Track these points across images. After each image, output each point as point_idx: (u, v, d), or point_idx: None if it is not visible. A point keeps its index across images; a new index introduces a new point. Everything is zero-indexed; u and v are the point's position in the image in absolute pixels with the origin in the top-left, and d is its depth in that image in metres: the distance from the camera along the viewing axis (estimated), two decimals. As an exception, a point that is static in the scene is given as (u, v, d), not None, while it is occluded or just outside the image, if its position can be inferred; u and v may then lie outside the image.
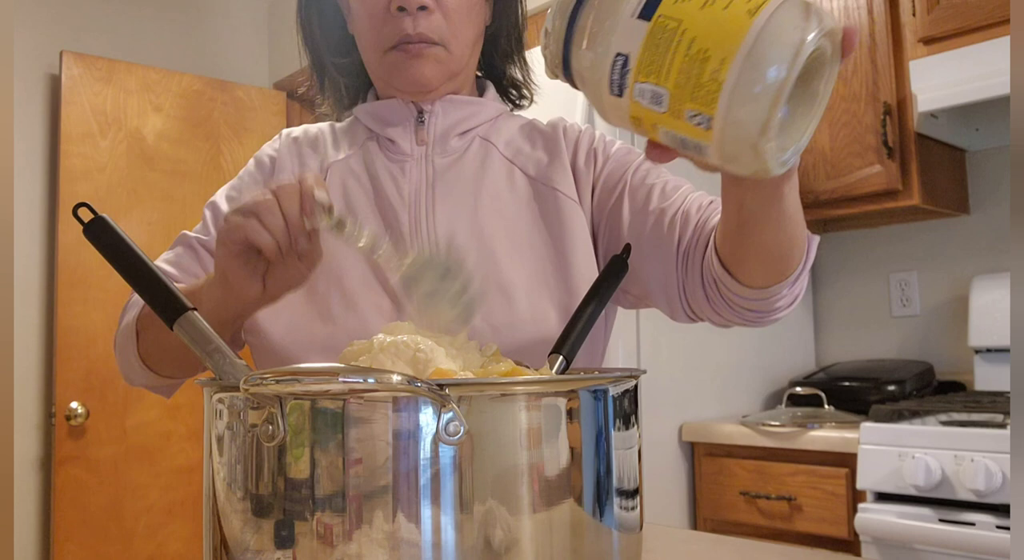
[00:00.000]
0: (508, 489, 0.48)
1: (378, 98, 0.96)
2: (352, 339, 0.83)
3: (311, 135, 0.99)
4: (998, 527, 1.51)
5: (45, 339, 2.69)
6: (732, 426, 2.04)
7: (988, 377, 2.10)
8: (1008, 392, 1.89)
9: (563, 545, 0.49)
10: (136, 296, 0.87)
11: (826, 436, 1.84)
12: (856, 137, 2.12)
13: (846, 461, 1.81)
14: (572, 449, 0.50)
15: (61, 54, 2.68)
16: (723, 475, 2.04)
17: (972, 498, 1.55)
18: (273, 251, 0.66)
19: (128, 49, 2.94)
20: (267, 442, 0.48)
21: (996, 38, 1.86)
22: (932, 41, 2.01)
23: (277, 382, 0.45)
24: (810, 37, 0.44)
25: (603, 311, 0.74)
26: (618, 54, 0.48)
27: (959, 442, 1.60)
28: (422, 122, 0.91)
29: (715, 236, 0.74)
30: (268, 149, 0.99)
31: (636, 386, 0.57)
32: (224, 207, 0.94)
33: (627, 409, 0.56)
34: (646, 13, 0.47)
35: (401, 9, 0.85)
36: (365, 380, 0.44)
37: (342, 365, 0.45)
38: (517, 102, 1.03)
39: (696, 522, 2.11)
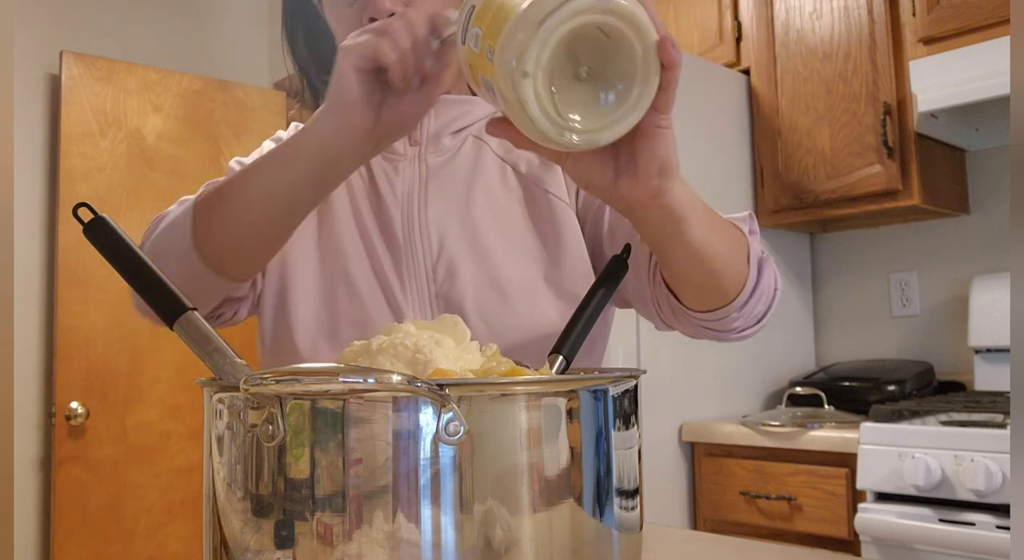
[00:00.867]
0: (508, 489, 0.48)
1: None
2: (356, 330, 0.83)
3: None
4: (998, 527, 1.51)
5: (45, 339, 2.69)
6: (732, 426, 2.04)
7: (988, 377, 2.10)
8: (1008, 392, 1.89)
9: (563, 545, 0.49)
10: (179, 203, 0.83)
11: (826, 436, 1.84)
12: (856, 137, 2.12)
13: (846, 461, 1.81)
14: (572, 449, 0.50)
15: (61, 54, 2.68)
16: (723, 475, 2.04)
17: (972, 498, 1.55)
18: (399, 72, 0.64)
19: (128, 49, 2.94)
20: (267, 442, 0.48)
21: (996, 38, 1.86)
22: (932, 41, 2.01)
23: (277, 382, 0.45)
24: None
25: (603, 311, 0.75)
26: (471, 5, 0.54)
27: (959, 442, 1.60)
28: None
29: None
30: (267, 146, 0.99)
31: (636, 386, 0.57)
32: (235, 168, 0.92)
33: (627, 409, 0.56)
34: None
35: (372, 20, 0.85)
36: (365, 380, 0.44)
37: (342, 365, 0.45)
38: None
39: (696, 522, 2.11)
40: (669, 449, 2.10)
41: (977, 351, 2.13)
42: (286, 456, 0.48)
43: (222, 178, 0.80)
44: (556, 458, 0.50)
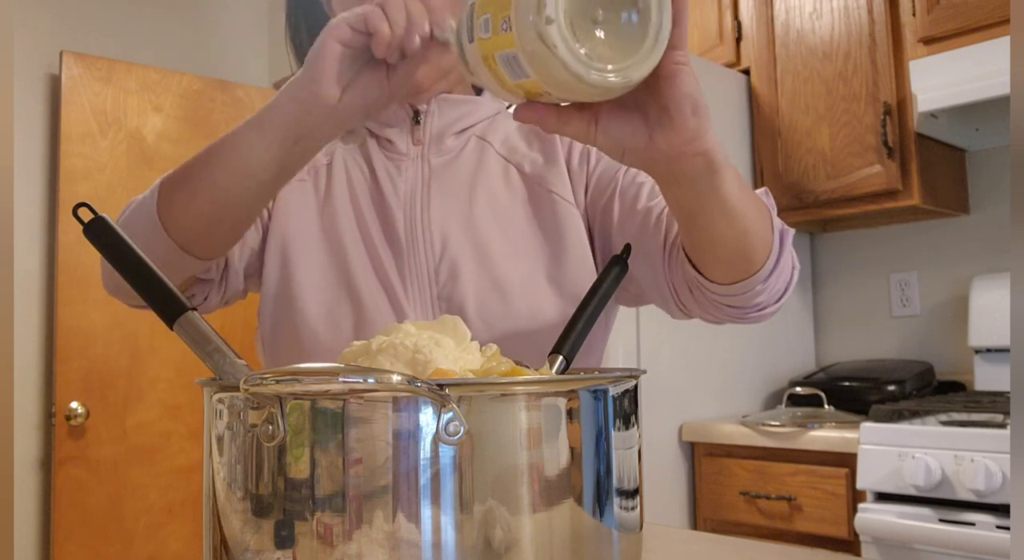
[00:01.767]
0: (508, 489, 0.48)
1: None
2: (356, 330, 0.83)
3: None
4: (998, 527, 1.51)
5: (45, 339, 2.69)
6: (732, 426, 2.04)
7: (988, 377, 2.11)
8: (1008, 392, 1.89)
9: (563, 545, 0.50)
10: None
11: (826, 436, 1.84)
12: (856, 137, 2.12)
13: (846, 461, 1.81)
14: (572, 449, 0.50)
15: (61, 54, 2.68)
16: (723, 475, 2.04)
17: (972, 498, 1.55)
18: (383, 43, 0.63)
19: (128, 49, 2.94)
20: (267, 442, 0.48)
21: (996, 38, 1.86)
22: (932, 41, 2.01)
23: (277, 382, 0.45)
24: None
25: (603, 311, 0.74)
26: (470, 5, 0.54)
27: (959, 442, 1.60)
28: (418, 122, 0.92)
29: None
30: None
31: (636, 386, 0.57)
32: None
33: (627, 409, 0.56)
34: None
35: None
36: (365, 380, 0.44)
37: (342, 365, 0.45)
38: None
39: (696, 522, 2.11)
40: (669, 449, 2.10)
41: (977, 351, 2.13)
42: (286, 456, 0.48)
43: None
44: (556, 458, 0.50)
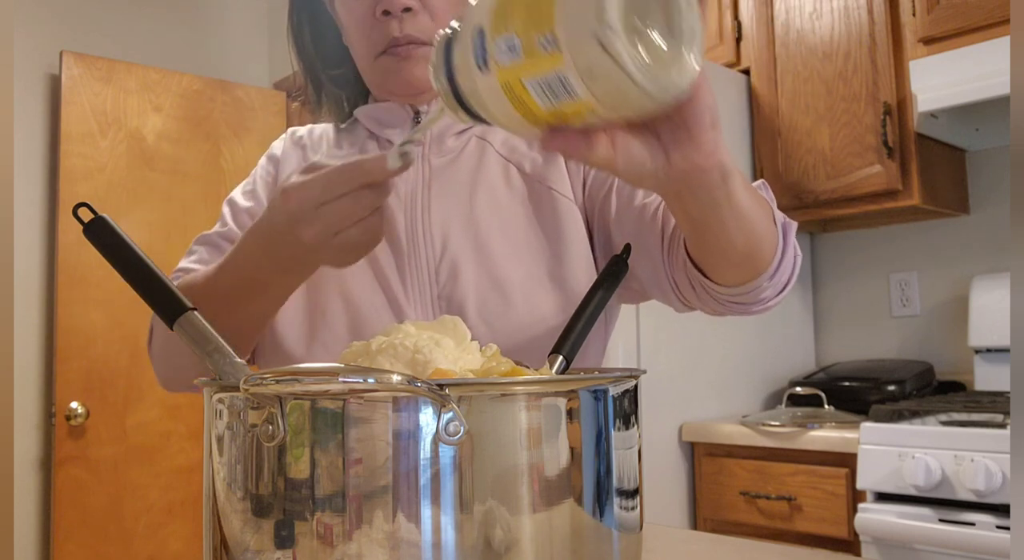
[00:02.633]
0: (508, 489, 0.48)
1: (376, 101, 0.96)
2: (352, 334, 0.83)
3: (315, 135, 1.00)
4: (998, 527, 1.51)
5: (45, 339, 2.69)
6: (732, 426, 2.04)
7: (988, 377, 2.10)
8: (1008, 392, 1.89)
9: (563, 545, 0.49)
10: None
11: (826, 436, 1.84)
12: (856, 137, 2.12)
13: (846, 461, 1.81)
14: (572, 449, 0.50)
15: (61, 54, 2.68)
16: (723, 475, 2.04)
17: (972, 498, 1.55)
18: (377, 240, 0.67)
19: (128, 49, 2.94)
20: (267, 442, 0.48)
21: (996, 38, 1.86)
22: (932, 41, 2.01)
23: (277, 382, 0.45)
24: None
25: (603, 311, 0.74)
26: (476, 30, 0.49)
27: (959, 442, 1.60)
28: (419, 123, 0.92)
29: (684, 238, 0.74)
30: (275, 147, 1.01)
31: (636, 386, 0.57)
32: (242, 203, 0.95)
33: (627, 409, 0.56)
34: None
35: (386, 13, 0.85)
36: (365, 380, 0.44)
37: (342, 365, 0.45)
38: None
39: (696, 522, 2.11)
40: (669, 449, 2.10)
41: (977, 351, 2.13)
42: (286, 456, 0.48)
43: (197, 286, 0.80)
44: (556, 458, 0.50)
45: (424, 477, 0.46)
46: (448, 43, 0.52)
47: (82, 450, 2.59)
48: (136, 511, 2.67)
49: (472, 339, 0.61)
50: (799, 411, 2.05)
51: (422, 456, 0.46)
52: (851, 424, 1.88)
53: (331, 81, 0.99)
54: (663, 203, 0.81)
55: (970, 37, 1.93)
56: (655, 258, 0.81)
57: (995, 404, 1.77)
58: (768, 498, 1.93)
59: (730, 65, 2.39)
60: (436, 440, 0.46)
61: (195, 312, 0.57)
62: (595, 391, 0.52)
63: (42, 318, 2.69)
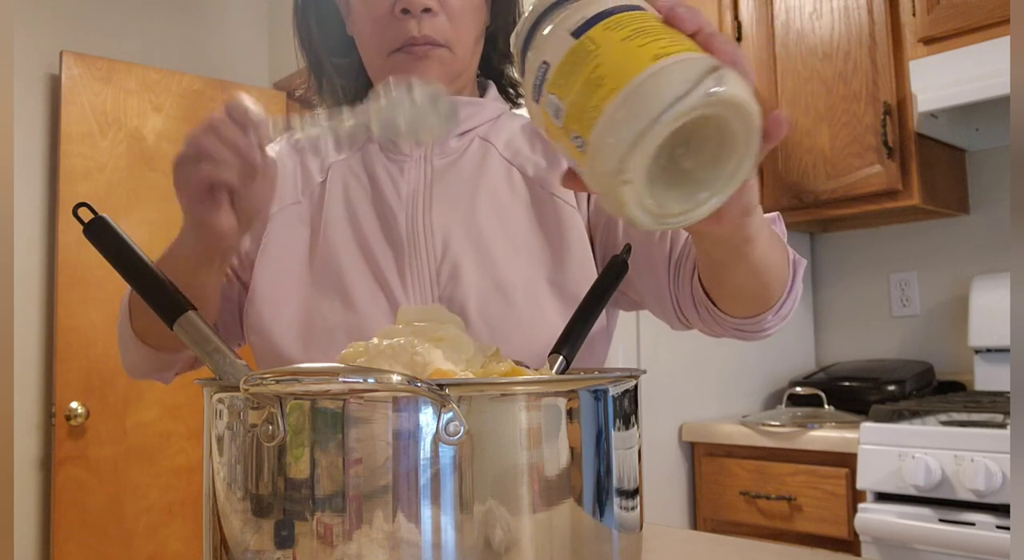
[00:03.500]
0: (508, 489, 0.48)
1: None
2: (351, 337, 0.83)
3: (312, 136, 0.99)
4: (998, 527, 1.51)
5: (45, 339, 2.69)
6: (732, 426, 2.04)
7: (988, 377, 2.10)
8: (1008, 392, 1.89)
9: (563, 545, 0.49)
10: None
11: (826, 436, 1.84)
12: (856, 137, 2.12)
13: (846, 461, 1.81)
14: (572, 449, 0.50)
15: (61, 54, 2.68)
16: (723, 475, 2.04)
17: (972, 498, 1.55)
18: (238, 181, 0.66)
19: (128, 49, 2.94)
20: (267, 442, 0.48)
21: (996, 38, 1.86)
22: (932, 41, 2.01)
23: (277, 382, 0.45)
24: (691, 96, 0.43)
25: (604, 312, 0.74)
26: (543, 62, 0.49)
27: (959, 442, 1.60)
28: None
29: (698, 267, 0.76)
30: (270, 150, 0.99)
31: (636, 386, 0.57)
32: None
33: (627, 409, 0.56)
34: (578, 32, 0.48)
35: (405, 11, 0.85)
36: (365, 380, 0.44)
37: (342, 365, 0.45)
38: (516, 101, 1.03)
39: (696, 522, 2.11)
40: (669, 449, 2.10)
41: (977, 351, 2.13)
42: (286, 456, 0.48)
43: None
44: (556, 458, 0.50)
45: (424, 477, 0.46)
46: (536, 24, 0.51)
47: (82, 450, 2.59)
48: (136, 511, 2.67)
49: (463, 324, 0.62)
50: (799, 411, 2.05)
51: (422, 456, 0.46)
52: (851, 424, 1.88)
53: (335, 70, 0.99)
54: None
55: (970, 37, 1.93)
56: (660, 275, 0.81)
57: (995, 404, 1.77)
58: (768, 498, 1.93)
59: (730, 65, 2.38)
60: (436, 440, 0.46)
61: (195, 312, 0.57)
62: (595, 391, 0.52)
63: (42, 318, 2.69)
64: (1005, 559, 1.47)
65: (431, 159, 0.91)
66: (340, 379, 0.44)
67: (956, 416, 1.75)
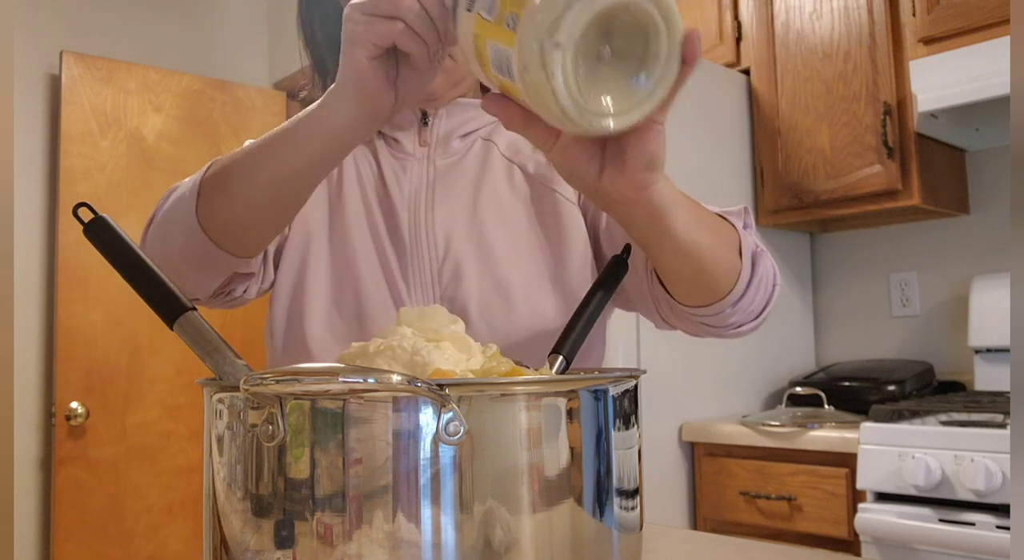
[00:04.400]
0: (508, 489, 0.48)
1: None
2: (360, 324, 0.83)
3: None
4: (998, 527, 1.51)
5: (45, 339, 2.69)
6: (732, 426, 2.04)
7: (988, 377, 2.10)
8: (1008, 392, 1.89)
9: (563, 545, 0.49)
10: (186, 180, 0.81)
11: (826, 436, 1.84)
12: (856, 137, 2.12)
13: (846, 461, 1.81)
14: (572, 449, 0.50)
15: (61, 54, 2.68)
16: (723, 475, 2.04)
17: (972, 498, 1.55)
18: (424, 57, 0.60)
19: (128, 49, 2.94)
20: (267, 442, 0.48)
21: (996, 38, 1.86)
22: (932, 41, 2.01)
23: (277, 382, 0.45)
24: None
25: (603, 311, 0.75)
26: None
27: (959, 442, 1.60)
28: (426, 124, 0.92)
29: None
30: None
31: (636, 386, 0.57)
32: None
33: (627, 409, 0.56)
34: None
35: None
36: (365, 380, 0.44)
37: (342, 365, 0.45)
38: None
39: (696, 522, 2.11)
40: (669, 449, 2.10)
41: (977, 351, 2.13)
42: (286, 456, 0.48)
43: (228, 155, 0.78)
44: (556, 458, 0.50)
45: (424, 477, 0.46)
46: None
47: (82, 450, 2.59)
48: (136, 511, 2.67)
49: (460, 322, 0.62)
50: (799, 411, 2.05)
51: (422, 456, 0.46)
52: (851, 424, 1.88)
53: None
54: None
55: (970, 37, 1.93)
56: (639, 272, 0.81)
57: (995, 404, 1.77)
58: (768, 498, 1.93)
59: (730, 65, 2.39)
60: (436, 440, 0.46)
61: (195, 312, 0.57)
62: (595, 391, 0.52)
63: (42, 318, 2.69)
64: (1005, 559, 1.47)
65: (434, 159, 0.91)
66: (340, 379, 0.44)
67: (956, 416, 1.75)
